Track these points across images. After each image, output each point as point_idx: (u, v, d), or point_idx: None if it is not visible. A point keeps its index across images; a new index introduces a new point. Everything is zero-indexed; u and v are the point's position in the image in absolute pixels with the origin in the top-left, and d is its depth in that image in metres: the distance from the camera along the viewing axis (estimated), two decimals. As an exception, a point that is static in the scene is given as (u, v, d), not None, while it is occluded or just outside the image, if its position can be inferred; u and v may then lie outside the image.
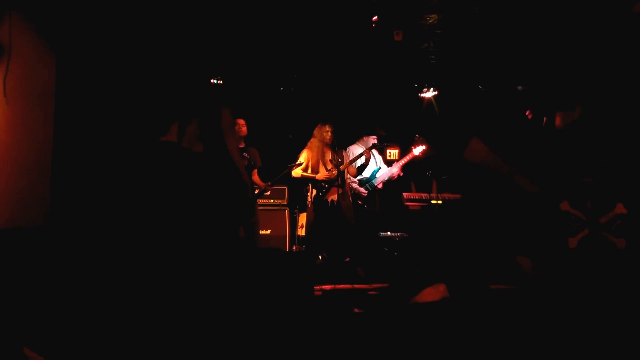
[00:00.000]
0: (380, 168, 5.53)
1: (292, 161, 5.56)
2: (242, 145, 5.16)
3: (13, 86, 3.47)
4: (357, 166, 5.48)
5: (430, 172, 5.46)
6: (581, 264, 4.25)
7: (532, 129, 5.71)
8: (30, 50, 3.64)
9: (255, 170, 5.33)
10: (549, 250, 4.42)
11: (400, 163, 5.44)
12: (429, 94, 6.63)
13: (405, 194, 5.59)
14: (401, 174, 5.53)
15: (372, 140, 5.53)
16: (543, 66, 5.64)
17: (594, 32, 4.95)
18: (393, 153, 6.05)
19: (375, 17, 5.19)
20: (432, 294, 3.38)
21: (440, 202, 5.46)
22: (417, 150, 5.35)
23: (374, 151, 5.61)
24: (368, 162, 5.53)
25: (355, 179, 5.45)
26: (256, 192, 5.34)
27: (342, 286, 4.47)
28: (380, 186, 5.45)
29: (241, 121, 5.15)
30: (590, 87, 4.95)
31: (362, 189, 5.41)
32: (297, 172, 5.40)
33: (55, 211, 3.68)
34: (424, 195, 5.58)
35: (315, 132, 5.43)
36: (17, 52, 3.49)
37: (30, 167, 3.62)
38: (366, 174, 5.48)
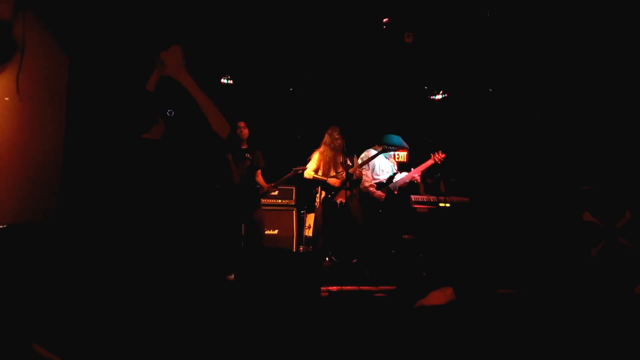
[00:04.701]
0: (396, 172, 5.52)
1: (302, 161, 5.56)
2: (245, 147, 5.20)
3: (26, 84, 3.51)
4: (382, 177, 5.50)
5: (438, 174, 5.42)
6: (602, 271, 4.32)
7: (542, 131, 5.69)
8: (43, 49, 3.67)
9: (259, 171, 5.36)
10: (571, 259, 4.47)
11: (420, 169, 5.42)
12: (439, 96, 6.62)
13: (413, 197, 5.57)
14: (418, 180, 5.52)
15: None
16: (553, 69, 5.61)
17: (600, 36, 4.93)
18: (401, 155, 6.01)
19: (386, 19, 5.19)
20: (439, 297, 3.37)
21: (448, 205, 5.43)
22: (437, 157, 5.34)
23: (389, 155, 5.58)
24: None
25: (374, 183, 5.44)
26: (260, 192, 5.36)
27: (348, 288, 4.47)
28: (396, 191, 5.43)
29: (242, 123, 5.20)
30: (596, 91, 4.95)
31: (380, 193, 5.39)
32: (308, 174, 5.40)
33: (64, 207, 3.71)
34: (432, 198, 5.55)
35: (325, 137, 5.42)
36: (30, 50, 3.53)
37: (41, 163, 3.66)
38: (383, 178, 5.47)
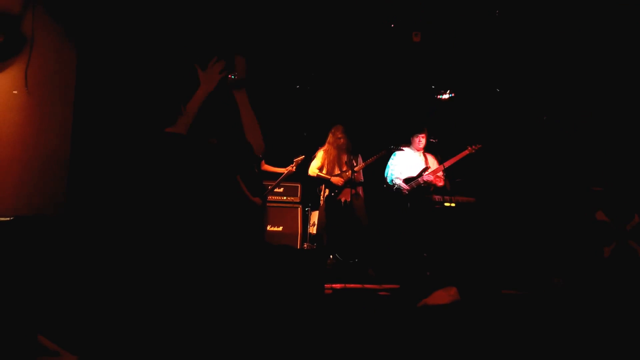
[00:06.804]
0: (427, 167, 5.55)
1: (307, 159, 5.57)
2: None
3: (34, 78, 3.53)
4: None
5: (444, 174, 5.42)
6: (614, 272, 4.28)
7: (548, 132, 5.66)
8: (52, 44, 3.69)
9: (262, 162, 5.42)
10: (584, 258, 4.43)
11: (439, 168, 5.52)
12: (446, 96, 6.59)
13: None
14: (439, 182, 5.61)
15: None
16: (560, 71, 5.59)
17: (613, 35, 4.90)
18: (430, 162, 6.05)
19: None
20: (442, 296, 3.36)
21: (453, 204, 5.42)
22: (465, 153, 5.43)
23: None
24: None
25: (401, 177, 5.46)
26: (269, 187, 5.40)
27: (352, 286, 4.48)
28: (422, 182, 5.46)
29: None
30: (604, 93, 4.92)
31: (405, 185, 5.40)
32: (312, 172, 5.40)
33: (71, 201, 3.73)
34: (437, 197, 5.54)
35: (329, 137, 5.42)
36: (39, 44, 3.55)
37: (49, 157, 3.68)
38: (414, 172, 5.51)
